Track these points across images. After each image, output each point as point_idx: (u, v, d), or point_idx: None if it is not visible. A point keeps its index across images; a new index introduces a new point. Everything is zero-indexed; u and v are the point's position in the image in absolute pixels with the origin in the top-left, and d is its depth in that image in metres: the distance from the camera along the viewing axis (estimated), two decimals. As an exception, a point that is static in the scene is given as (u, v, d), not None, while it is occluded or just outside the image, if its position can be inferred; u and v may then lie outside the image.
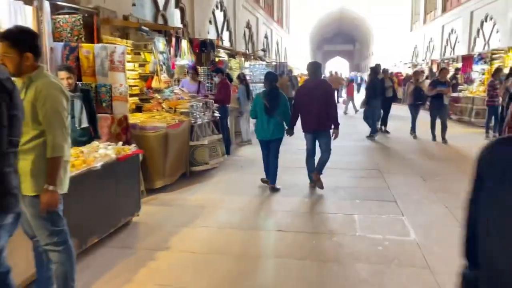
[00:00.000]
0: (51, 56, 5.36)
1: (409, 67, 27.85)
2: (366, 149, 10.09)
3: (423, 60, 25.72)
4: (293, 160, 7.95)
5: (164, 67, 7.33)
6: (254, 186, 6.56)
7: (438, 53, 24.60)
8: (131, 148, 4.79)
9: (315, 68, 6.48)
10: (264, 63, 17.04)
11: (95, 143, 4.67)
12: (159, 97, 6.98)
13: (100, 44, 5.76)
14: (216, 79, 9.24)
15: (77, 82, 4.96)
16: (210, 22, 13.79)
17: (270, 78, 6.57)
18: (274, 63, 19.32)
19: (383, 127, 12.57)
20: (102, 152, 4.28)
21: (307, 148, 6.54)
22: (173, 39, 7.49)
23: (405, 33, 34.08)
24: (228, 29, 15.83)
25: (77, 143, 4.47)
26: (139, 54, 7.09)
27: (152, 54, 7.10)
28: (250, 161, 8.29)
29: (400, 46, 35.01)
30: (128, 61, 6.32)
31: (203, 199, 5.84)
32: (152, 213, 5.22)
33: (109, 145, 4.64)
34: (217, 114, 8.14)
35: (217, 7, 14.99)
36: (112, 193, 4.35)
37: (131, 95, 6.76)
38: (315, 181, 6.33)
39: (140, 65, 7.18)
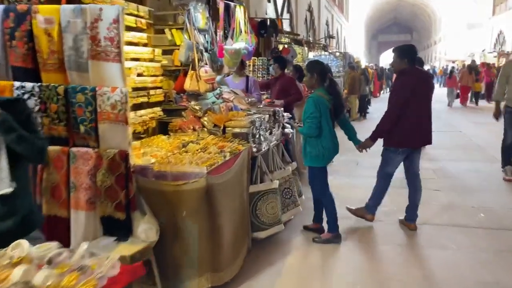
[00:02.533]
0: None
1: (495, 57, 23.55)
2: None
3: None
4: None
5: (206, 55, 4.31)
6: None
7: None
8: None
9: (414, 52, 4.46)
10: (328, 54, 13.76)
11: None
12: (196, 107, 3.98)
13: (70, 6, 2.81)
14: (272, 70, 6.14)
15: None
16: (268, 0, 10.65)
17: (324, 68, 4.15)
18: (338, 54, 15.91)
19: None
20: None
21: (388, 172, 4.60)
22: (221, 7, 4.45)
23: (484, 18, 29.34)
24: (288, 10, 12.62)
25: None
26: (161, 32, 4.11)
27: (185, 32, 4.10)
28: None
29: (477, 33, 30.37)
30: (137, 43, 3.36)
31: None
32: None
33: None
34: (289, 129, 5.04)
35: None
36: None
37: (149, 104, 3.84)
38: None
39: (165, 52, 4.22)
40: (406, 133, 4.24)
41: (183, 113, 4.06)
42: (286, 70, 6.44)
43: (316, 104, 3.90)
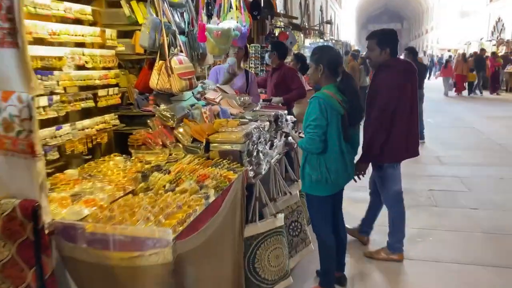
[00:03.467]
0: None
1: (494, 45, 22.56)
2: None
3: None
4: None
5: (181, 39, 3.08)
6: None
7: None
8: None
9: (397, 39, 3.48)
10: (324, 41, 12.54)
11: None
12: (167, 113, 2.76)
13: None
14: (267, 59, 4.94)
15: None
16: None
17: (335, 56, 2.98)
18: (333, 41, 14.70)
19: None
20: None
21: (397, 191, 3.60)
22: (202, -29, 3.19)
23: (480, 5, 28.34)
24: (282, -8, 11.35)
25: None
26: (117, 5, 2.86)
27: (151, 5, 2.85)
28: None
29: (471, 21, 29.41)
30: (77, 19, 2.13)
31: None
32: None
33: None
34: (291, 138, 3.84)
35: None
36: None
37: (99, 110, 2.62)
38: None
39: (122, 34, 2.98)
40: (401, 142, 3.35)
41: (148, 121, 2.83)
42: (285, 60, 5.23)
43: (322, 107, 2.73)
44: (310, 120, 2.77)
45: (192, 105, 3.05)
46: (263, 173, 2.93)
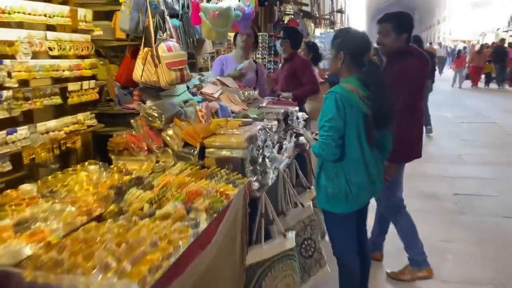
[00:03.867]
0: None
1: (511, 36, 21.70)
2: None
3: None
4: None
5: (172, 22, 2.56)
6: None
7: None
8: None
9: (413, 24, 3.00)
10: (333, 32, 11.96)
11: None
12: (153, 112, 2.26)
13: None
14: (279, 47, 4.40)
15: None
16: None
17: (361, 42, 2.39)
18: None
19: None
20: None
21: (400, 197, 3.14)
22: None
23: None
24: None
25: None
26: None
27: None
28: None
29: (484, 12, 28.44)
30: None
31: None
32: None
33: None
34: (303, 139, 3.31)
35: None
36: None
37: (72, 108, 2.13)
38: None
39: (99, 16, 2.47)
40: (416, 139, 3.00)
41: (132, 121, 2.33)
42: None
43: (339, 104, 2.21)
44: (324, 120, 2.26)
45: (185, 102, 2.54)
46: (270, 183, 2.43)
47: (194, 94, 2.76)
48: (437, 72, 14.18)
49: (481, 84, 16.87)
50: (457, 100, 12.86)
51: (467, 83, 16.97)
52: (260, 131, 2.37)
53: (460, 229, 3.99)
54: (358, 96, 2.26)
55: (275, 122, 2.70)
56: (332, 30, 12.22)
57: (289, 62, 4.38)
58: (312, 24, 9.73)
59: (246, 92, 3.12)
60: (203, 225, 1.63)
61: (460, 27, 34.37)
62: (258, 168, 2.33)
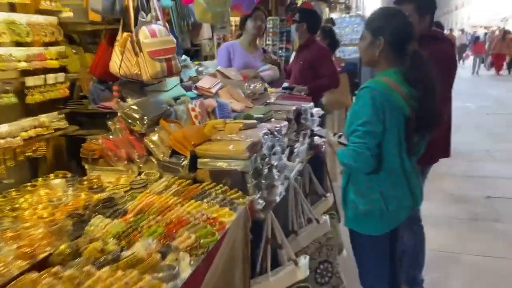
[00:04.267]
0: None
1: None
2: None
3: None
4: None
5: (164, 2, 2.10)
6: None
7: None
8: None
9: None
10: (352, 16, 11.31)
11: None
12: (134, 113, 1.81)
13: None
14: (294, 32, 3.87)
15: None
16: None
17: (404, 26, 1.87)
18: (360, 17, 13.37)
19: None
20: None
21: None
22: None
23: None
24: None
25: None
26: None
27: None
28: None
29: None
30: None
31: None
32: None
33: None
34: (319, 139, 2.84)
35: None
36: None
37: (34, 107, 1.70)
38: None
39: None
40: (445, 136, 2.57)
41: (109, 123, 1.90)
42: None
43: (377, 104, 1.76)
44: (357, 123, 1.79)
45: (177, 98, 2.09)
46: (278, 200, 1.98)
47: (188, 89, 2.31)
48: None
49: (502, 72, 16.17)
50: (479, 89, 12.19)
51: (487, 71, 16.32)
52: (266, 136, 1.92)
53: (495, 240, 3.49)
54: (400, 95, 1.79)
55: (285, 123, 2.24)
56: (347, 15, 11.57)
57: (305, 50, 3.86)
58: (327, 9, 9.14)
59: (252, 85, 2.65)
60: (185, 273, 1.20)
61: (479, 12, 33.19)
62: (263, 181, 1.88)
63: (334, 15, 9.67)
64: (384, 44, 1.85)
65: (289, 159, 2.35)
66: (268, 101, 2.61)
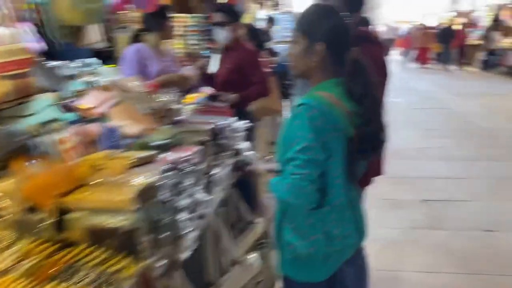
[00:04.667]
0: None
1: (455, 17, 21.88)
2: None
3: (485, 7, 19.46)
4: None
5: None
6: None
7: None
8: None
9: None
10: (282, 13, 11.05)
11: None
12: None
13: None
14: (221, 34, 3.37)
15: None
16: None
17: (342, 27, 1.51)
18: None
19: None
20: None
21: None
22: None
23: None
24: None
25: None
26: None
27: None
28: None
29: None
30: None
31: None
32: None
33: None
34: (246, 156, 2.40)
35: None
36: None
37: None
38: None
39: None
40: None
41: None
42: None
43: (318, 124, 1.39)
44: (295, 150, 1.40)
45: (44, 123, 1.55)
46: (187, 255, 1.52)
47: (70, 110, 1.77)
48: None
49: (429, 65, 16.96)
50: (407, 83, 12.51)
51: (414, 64, 17.00)
52: (166, 173, 1.45)
53: (437, 251, 3.29)
54: (342, 112, 1.42)
55: (199, 148, 1.78)
56: (278, 13, 11.31)
57: (232, 53, 3.39)
58: (259, 5, 8.74)
59: (159, 98, 2.16)
60: None
61: (402, 8, 34.89)
62: (165, 235, 1.41)
63: (264, 12, 9.32)
64: (320, 49, 1.47)
65: (207, 188, 1.89)
66: (178, 118, 2.13)
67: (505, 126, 7.06)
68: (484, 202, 4.13)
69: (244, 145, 2.49)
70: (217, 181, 2.03)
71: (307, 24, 1.53)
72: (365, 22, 6.72)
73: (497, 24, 15.11)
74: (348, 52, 1.50)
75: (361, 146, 1.46)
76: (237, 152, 2.38)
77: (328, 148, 1.41)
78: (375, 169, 2.19)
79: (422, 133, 6.90)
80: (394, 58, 20.12)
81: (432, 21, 22.93)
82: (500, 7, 16.75)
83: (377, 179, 2.54)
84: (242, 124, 2.52)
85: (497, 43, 14.20)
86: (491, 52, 14.44)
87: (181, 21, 5.07)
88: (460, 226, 3.66)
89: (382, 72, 2.07)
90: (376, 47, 2.11)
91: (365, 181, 2.04)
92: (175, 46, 4.89)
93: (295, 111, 1.48)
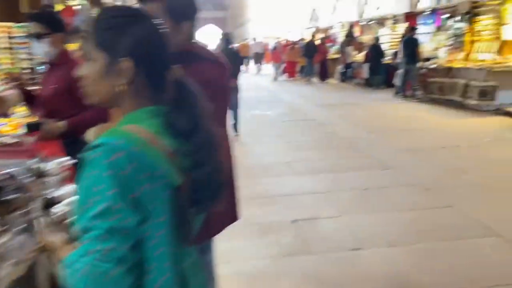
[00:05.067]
0: None
1: (314, 33, 23.58)
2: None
3: (339, 23, 21.22)
4: None
5: None
6: None
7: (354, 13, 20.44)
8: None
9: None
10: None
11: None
12: None
13: None
14: (39, 48, 2.68)
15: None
16: None
17: (164, 42, 1.08)
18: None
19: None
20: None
21: None
22: None
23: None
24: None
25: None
26: None
27: None
28: None
29: (290, 10, 30.82)
30: None
31: None
32: None
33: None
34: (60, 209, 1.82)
35: None
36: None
37: None
38: None
39: None
40: (228, 197, 1.97)
41: None
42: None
43: (129, 175, 0.94)
44: (90, 215, 0.94)
45: None
46: None
47: None
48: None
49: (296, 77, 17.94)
50: (276, 96, 12.88)
51: (283, 77, 17.93)
52: None
53: (305, 281, 3.07)
54: (162, 154, 0.99)
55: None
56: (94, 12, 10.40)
57: (59, 68, 2.71)
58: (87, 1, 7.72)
59: None
60: None
61: (268, 24, 36.82)
62: None
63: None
64: (133, 69, 1.02)
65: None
66: None
67: (363, 136, 7.48)
68: (349, 216, 4.11)
69: (61, 192, 1.91)
70: (4, 254, 1.43)
71: (105, 34, 1.07)
72: (228, 37, 6.46)
73: (350, 39, 16.59)
74: (168, 71, 1.08)
75: (194, 196, 1.05)
76: (49, 204, 1.79)
77: (143, 206, 0.96)
78: (227, 216, 1.80)
79: (289, 146, 6.94)
80: (265, 72, 21.00)
81: (295, 37, 24.54)
82: (352, 24, 18.53)
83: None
84: (58, 163, 1.94)
85: (352, 57, 15.58)
86: (348, 65, 15.76)
87: (5, 31, 4.18)
88: (327, 247, 3.52)
89: (220, 97, 1.70)
90: (214, 66, 1.73)
91: (207, 234, 1.63)
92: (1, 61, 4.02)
93: (88, 155, 1.00)
